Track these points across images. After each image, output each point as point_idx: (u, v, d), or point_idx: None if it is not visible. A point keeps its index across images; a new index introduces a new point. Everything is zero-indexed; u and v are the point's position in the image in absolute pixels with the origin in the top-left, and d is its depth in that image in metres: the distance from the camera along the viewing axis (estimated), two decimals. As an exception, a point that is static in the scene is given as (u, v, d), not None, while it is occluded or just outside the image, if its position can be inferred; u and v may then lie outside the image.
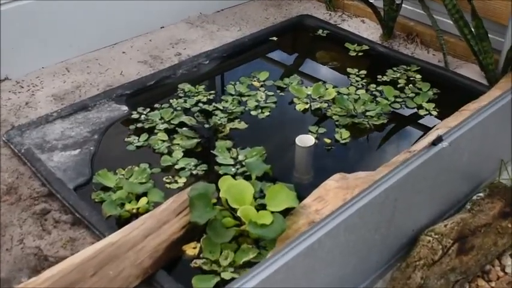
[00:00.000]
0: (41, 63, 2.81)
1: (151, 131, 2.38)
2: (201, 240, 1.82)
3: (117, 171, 2.15)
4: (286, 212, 1.83)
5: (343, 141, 2.32)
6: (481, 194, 1.96)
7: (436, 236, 1.73)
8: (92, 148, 2.30)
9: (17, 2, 2.69)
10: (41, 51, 2.79)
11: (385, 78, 2.72)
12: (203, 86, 2.65)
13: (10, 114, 2.51)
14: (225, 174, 2.10)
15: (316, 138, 2.29)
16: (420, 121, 2.48)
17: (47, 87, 2.68)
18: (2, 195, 2.10)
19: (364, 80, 2.70)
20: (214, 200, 1.89)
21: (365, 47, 2.99)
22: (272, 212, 1.79)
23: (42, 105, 2.57)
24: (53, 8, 2.76)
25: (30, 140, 2.34)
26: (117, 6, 2.94)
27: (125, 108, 2.53)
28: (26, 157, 2.24)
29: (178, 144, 2.28)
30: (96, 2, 2.87)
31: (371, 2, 3.04)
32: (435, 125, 2.30)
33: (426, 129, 2.37)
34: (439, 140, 1.70)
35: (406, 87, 2.65)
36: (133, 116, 2.47)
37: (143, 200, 1.99)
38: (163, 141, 2.31)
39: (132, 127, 2.41)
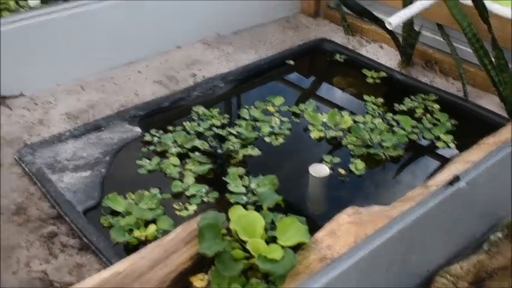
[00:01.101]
0: (56, 80, 2.80)
1: (163, 155, 2.35)
2: (209, 272, 1.78)
3: (127, 195, 2.12)
4: (297, 246, 1.79)
5: (358, 173, 2.27)
6: (499, 234, 1.90)
7: (451, 278, 1.69)
8: (102, 170, 2.28)
9: (35, 18, 2.69)
10: (57, 68, 2.79)
11: (402, 107, 2.68)
12: (217, 109, 2.62)
13: (23, 132, 2.50)
14: (236, 203, 2.06)
15: (330, 168, 2.25)
16: (437, 153, 2.43)
17: (61, 105, 2.67)
18: (11, 215, 2.08)
19: (381, 108, 2.66)
20: (224, 231, 1.85)
21: (382, 74, 2.95)
22: (282, 247, 1.75)
23: (56, 124, 2.56)
24: (70, 26, 2.76)
25: (42, 159, 2.32)
26: (134, 25, 2.94)
27: (137, 129, 2.50)
28: (36, 177, 2.22)
29: (190, 169, 2.25)
30: (113, 20, 2.86)
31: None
32: (452, 158, 2.26)
33: (443, 162, 2.32)
34: (456, 179, 1.66)
35: (424, 117, 2.60)
36: (146, 138, 2.44)
37: (152, 227, 1.96)
38: (175, 165, 2.28)
39: (144, 149, 2.39)
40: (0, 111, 2.61)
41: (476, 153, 2.18)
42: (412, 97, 2.75)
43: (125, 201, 2.10)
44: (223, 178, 2.21)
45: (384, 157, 2.35)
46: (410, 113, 2.64)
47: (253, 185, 2.16)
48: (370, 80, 2.92)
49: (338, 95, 2.85)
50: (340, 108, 2.66)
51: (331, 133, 2.48)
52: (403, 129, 2.50)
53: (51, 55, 2.75)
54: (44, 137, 2.46)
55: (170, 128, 2.50)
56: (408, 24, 2.88)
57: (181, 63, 3.00)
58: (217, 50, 3.14)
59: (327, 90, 2.93)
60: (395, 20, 2.70)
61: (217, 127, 2.51)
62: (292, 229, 1.80)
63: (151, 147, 2.39)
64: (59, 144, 2.41)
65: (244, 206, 2.03)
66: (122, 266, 1.71)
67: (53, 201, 2.11)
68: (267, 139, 2.45)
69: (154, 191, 2.15)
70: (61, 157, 2.34)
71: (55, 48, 2.75)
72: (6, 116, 2.59)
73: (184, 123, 2.52)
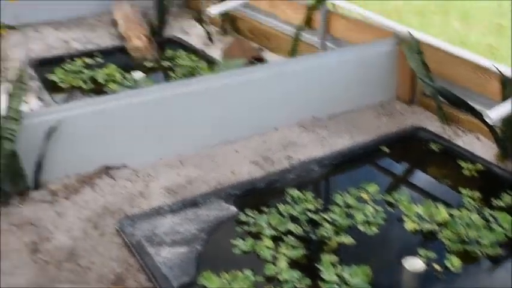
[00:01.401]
0: (158, 154, 2.95)
1: (257, 236, 2.39)
2: None
3: (220, 275, 2.17)
4: None
5: (454, 269, 2.21)
6: None
7: None
8: (198, 247, 2.34)
9: (140, 97, 2.87)
10: (159, 143, 2.94)
11: (500, 203, 2.61)
12: (311, 193, 2.66)
13: (124, 203, 2.63)
14: (329, 292, 2.07)
15: (425, 262, 2.22)
16: (538, 254, 2.35)
17: (161, 179, 2.79)
18: (111, 285, 2.17)
19: (478, 203, 2.61)
20: (317, 321, 1.85)
21: (479, 166, 2.90)
22: None
23: (155, 197, 2.67)
24: (174, 104, 2.93)
25: (141, 231, 2.42)
26: (235, 107, 3.08)
27: (233, 208, 2.57)
28: (136, 249, 2.32)
29: (283, 253, 2.27)
30: (215, 102, 3.01)
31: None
32: (555, 262, 2.18)
33: (544, 265, 2.24)
34: None
35: (523, 215, 2.53)
36: (240, 218, 2.50)
37: (245, 310, 1.99)
38: (269, 248, 2.31)
39: (238, 229, 2.44)
40: (105, 181, 2.77)
41: None
42: (511, 193, 2.68)
43: (219, 280, 2.14)
44: (315, 264, 2.21)
45: (480, 254, 2.29)
46: (509, 209, 2.57)
47: (346, 275, 2.15)
48: (466, 172, 2.88)
49: (433, 185, 2.83)
50: (435, 199, 2.63)
51: (426, 226, 2.45)
52: (501, 227, 2.43)
53: (155, 130, 2.92)
54: (144, 209, 2.57)
55: (265, 209, 2.55)
56: (507, 117, 2.85)
57: (278, 144, 3.08)
58: (313, 133, 3.21)
59: (422, 180, 2.91)
60: (495, 115, 2.68)
61: (311, 211, 2.54)
62: (387, 326, 1.78)
63: (246, 228, 2.45)
64: (158, 217, 2.51)
65: (337, 297, 2.03)
66: None
67: (150, 275, 2.19)
68: (360, 227, 2.45)
69: (248, 272, 2.18)
70: (159, 230, 2.43)
71: (158, 124, 2.91)
72: (109, 186, 2.74)
73: (278, 205, 2.57)
